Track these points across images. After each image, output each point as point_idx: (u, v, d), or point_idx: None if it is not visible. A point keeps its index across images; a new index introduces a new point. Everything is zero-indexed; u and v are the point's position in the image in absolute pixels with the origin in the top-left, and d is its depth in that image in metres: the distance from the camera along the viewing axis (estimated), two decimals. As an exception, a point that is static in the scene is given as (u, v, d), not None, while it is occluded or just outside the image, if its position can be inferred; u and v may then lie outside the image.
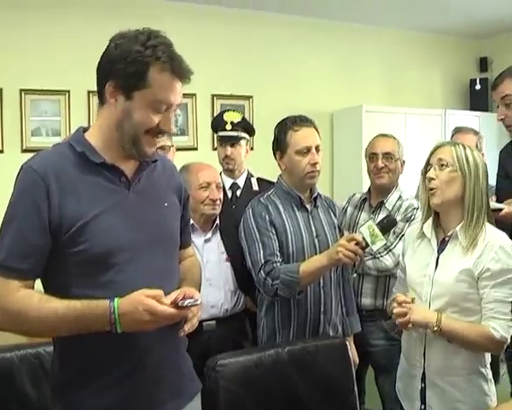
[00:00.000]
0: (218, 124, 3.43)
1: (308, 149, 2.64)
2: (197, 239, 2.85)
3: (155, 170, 1.86)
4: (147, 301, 1.56)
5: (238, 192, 3.37)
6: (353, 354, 2.74)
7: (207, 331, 2.81)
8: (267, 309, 2.73)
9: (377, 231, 2.39)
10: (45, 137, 4.87)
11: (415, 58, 6.54)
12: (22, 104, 4.78)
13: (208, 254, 2.92)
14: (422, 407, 2.27)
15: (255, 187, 3.36)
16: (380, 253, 2.92)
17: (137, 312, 1.56)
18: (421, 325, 2.18)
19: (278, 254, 2.60)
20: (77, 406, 1.68)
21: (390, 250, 2.96)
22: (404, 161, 3.23)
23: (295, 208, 2.72)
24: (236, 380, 2.33)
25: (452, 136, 3.83)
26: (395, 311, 2.19)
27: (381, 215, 3.03)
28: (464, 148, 2.23)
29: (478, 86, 6.65)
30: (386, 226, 2.48)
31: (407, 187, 3.68)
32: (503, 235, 2.22)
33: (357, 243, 2.38)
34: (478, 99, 6.69)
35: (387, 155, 3.14)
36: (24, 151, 4.73)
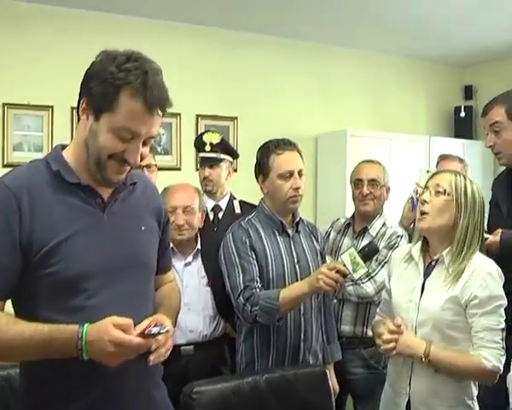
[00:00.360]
0: (198, 145, 3.42)
1: (291, 174, 2.61)
2: (177, 263, 2.80)
3: (134, 192, 1.81)
4: (113, 331, 1.50)
5: (220, 215, 3.35)
6: (333, 383, 2.71)
7: (185, 356, 2.77)
8: (246, 335, 2.68)
9: (359, 259, 2.37)
10: (27, 153, 4.80)
11: (400, 84, 6.57)
12: (5, 118, 4.72)
13: (188, 278, 2.87)
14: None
15: (237, 210, 3.34)
16: (361, 279, 2.88)
17: (102, 341, 1.50)
18: (408, 356, 2.15)
19: (258, 279, 2.56)
20: None
21: (372, 277, 2.93)
22: (389, 188, 3.21)
23: (276, 233, 2.68)
24: (213, 408, 2.28)
25: (438, 163, 3.82)
26: (384, 337, 2.15)
27: (365, 241, 3.02)
28: (465, 179, 2.20)
29: (463, 114, 6.69)
30: (368, 254, 2.46)
31: (391, 213, 3.67)
32: (490, 261, 2.18)
33: (338, 271, 2.35)
34: (462, 126, 6.71)
35: (373, 182, 3.11)
36: (5, 166, 4.66)
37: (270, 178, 2.65)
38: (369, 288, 2.93)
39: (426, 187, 2.25)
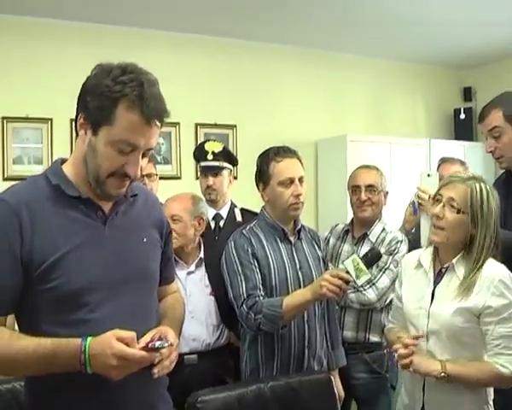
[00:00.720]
0: (199, 154, 3.40)
1: (291, 181, 2.61)
2: (180, 272, 2.79)
3: (135, 204, 1.80)
4: (116, 345, 1.49)
5: (221, 223, 3.33)
6: (338, 389, 2.70)
7: (189, 365, 2.77)
8: (250, 343, 2.67)
9: (362, 265, 2.36)
10: (27, 166, 4.81)
11: (399, 88, 6.57)
12: (4, 132, 4.73)
13: (191, 286, 2.87)
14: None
15: (239, 218, 3.33)
16: (363, 286, 2.86)
17: (105, 355, 1.49)
18: (423, 374, 2.12)
19: (261, 287, 2.55)
20: None
21: (373, 284, 2.91)
22: (387, 192, 3.19)
23: (278, 241, 2.67)
24: (218, 417, 2.26)
25: (439, 166, 3.80)
26: (399, 352, 2.11)
27: (365, 247, 3.01)
28: (481, 190, 2.13)
29: (462, 116, 6.68)
30: (371, 260, 2.45)
31: (392, 218, 3.65)
32: (502, 267, 2.14)
33: (341, 278, 2.34)
34: (462, 128, 6.71)
35: (370, 188, 3.09)
36: (5, 179, 4.67)
37: (270, 186, 2.64)
38: (370, 295, 2.92)
39: (439, 195, 2.19)
